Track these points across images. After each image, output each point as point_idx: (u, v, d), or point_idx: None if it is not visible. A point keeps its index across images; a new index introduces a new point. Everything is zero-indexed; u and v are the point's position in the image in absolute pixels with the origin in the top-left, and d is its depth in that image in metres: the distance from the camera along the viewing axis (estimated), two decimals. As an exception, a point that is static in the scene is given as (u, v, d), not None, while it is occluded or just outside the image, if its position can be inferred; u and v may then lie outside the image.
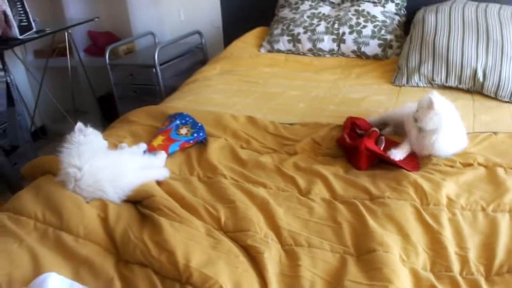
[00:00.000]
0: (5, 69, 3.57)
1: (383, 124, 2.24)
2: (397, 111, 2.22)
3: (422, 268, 1.42)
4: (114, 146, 2.15)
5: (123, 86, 3.92)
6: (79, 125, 1.90)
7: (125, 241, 1.56)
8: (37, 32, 3.64)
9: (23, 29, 3.51)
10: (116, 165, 1.82)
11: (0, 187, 3.45)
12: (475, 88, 2.59)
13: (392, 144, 2.03)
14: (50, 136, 4.58)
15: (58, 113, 4.45)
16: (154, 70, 3.68)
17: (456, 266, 1.41)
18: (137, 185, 1.80)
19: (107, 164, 1.80)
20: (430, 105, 1.84)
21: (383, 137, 2.04)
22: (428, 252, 1.47)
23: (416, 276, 1.38)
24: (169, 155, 2.12)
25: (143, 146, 2.11)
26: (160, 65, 3.71)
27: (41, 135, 4.56)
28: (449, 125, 1.88)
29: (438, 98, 1.87)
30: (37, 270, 1.45)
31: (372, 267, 1.38)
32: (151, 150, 2.11)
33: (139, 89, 3.86)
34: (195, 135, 2.22)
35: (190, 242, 1.50)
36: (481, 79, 2.55)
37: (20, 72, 4.37)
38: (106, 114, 4.41)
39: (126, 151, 2.04)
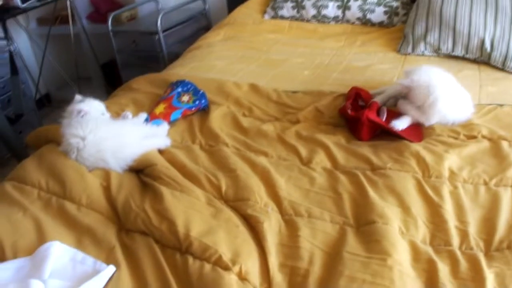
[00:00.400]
0: (7, 38, 3.55)
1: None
2: (396, 83, 2.16)
3: (421, 241, 1.41)
4: (116, 114, 2.15)
5: (126, 53, 3.90)
6: (78, 97, 1.91)
7: (127, 210, 1.57)
8: (38, 0, 3.60)
9: (25, -3, 3.48)
10: (118, 135, 1.82)
11: (6, 155, 3.48)
12: (482, 59, 2.55)
13: (394, 115, 2.01)
14: (54, 103, 4.57)
15: (62, 80, 4.45)
16: (157, 36, 3.65)
17: (455, 240, 1.40)
18: (139, 155, 1.80)
19: (109, 135, 1.80)
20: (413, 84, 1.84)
21: (384, 108, 2.03)
22: (428, 225, 1.46)
23: (414, 249, 1.38)
24: (171, 122, 2.12)
25: (143, 115, 2.10)
26: (163, 31, 3.67)
27: (46, 103, 4.55)
28: (445, 92, 1.86)
29: (419, 73, 1.85)
30: (41, 239, 1.46)
31: (371, 239, 1.38)
32: (153, 118, 2.11)
33: (142, 56, 3.83)
34: (197, 102, 2.21)
35: (190, 211, 1.51)
36: (488, 49, 2.51)
37: (23, 41, 4.34)
38: (110, 81, 4.38)
39: (128, 121, 2.04)
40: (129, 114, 2.11)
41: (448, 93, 1.89)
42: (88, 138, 1.76)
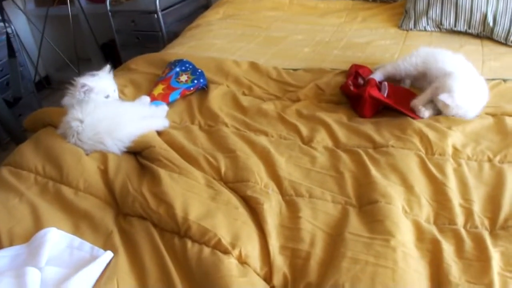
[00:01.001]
0: (4, 20, 3.51)
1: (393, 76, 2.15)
2: (412, 64, 2.08)
3: (425, 220, 1.39)
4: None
5: (126, 33, 3.85)
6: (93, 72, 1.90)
7: (124, 193, 1.55)
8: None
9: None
10: (115, 116, 1.80)
11: (5, 139, 3.46)
12: (485, 33, 2.52)
13: (396, 89, 1.98)
14: (54, 85, 4.54)
15: (61, 62, 4.42)
16: (156, 15, 3.60)
17: (460, 218, 1.38)
18: (137, 136, 1.77)
19: (106, 116, 1.77)
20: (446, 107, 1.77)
21: (385, 83, 1.99)
22: (432, 204, 1.43)
23: (418, 228, 1.35)
24: (170, 103, 2.09)
25: (146, 98, 2.07)
26: (162, 10, 3.63)
27: (46, 84, 4.53)
28: (474, 102, 1.81)
29: (454, 93, 1.77)
30: (38, 225, 1.45)
31: (374, 219, 1.35)
32: (152, 99, 2.08)
33: (142, 36, 3.79)
34: (195, 81, 2.18)
35: (189, 193, 1.48)
36: (491, 24, 2.47)
37: (21, 22, 4.29)
38: (110, 61, 4.34)
39: (128, 102, 2.01)
40: (147, 98, 2.08)
41: (475, 105, 1.83)
42: (86, 120, 1.74)
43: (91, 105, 1.78)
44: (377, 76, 2.09)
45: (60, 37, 4.48)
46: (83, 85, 1.82)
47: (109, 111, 1.81)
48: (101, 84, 1.87)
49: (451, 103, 1.76)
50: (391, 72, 2.10)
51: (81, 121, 1.74)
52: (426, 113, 1.81)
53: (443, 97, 1.75)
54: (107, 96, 1.88)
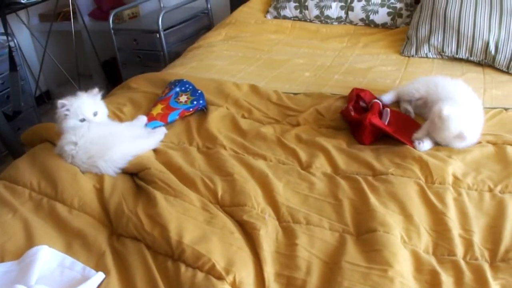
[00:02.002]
0: (7, 33, 3.51)
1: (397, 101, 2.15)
2: (415, 89, 2.08)
3: (424, 250, 1.37)
4: (113, 114, 2.12)
5: (127, 51, 3.86)
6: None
7: (119, 213, 1.53)
8: (40, -4, 3.59)
9: (26, -7, 3.47)
10: (109, 137, 1.78)
11: (3, 153, 3.45)
12: (487, 61, 2.51)
13: (398, 116, 1.97)
14: (54, 100, 4.53)
15: (63, 77, 4.42)
16: (158, 35, 3.62)
17: (459, 250, 1.35)
18: (132, 156, 1.76)
19: (99, 138, 1.76)
20: (460, 136, 1.74)
21: (388, 110, 1.98)
22: (431, 233, 1.41)
23: (417, 259, 1.33)
24: (169, 123, 2.09)
25: (143, 118, 2.06)
26: (165, 30, 3.64)
27: (46, 99, 4.53)
28: (476, 133, 1.81)
29: (464, 124, 1.76)
30: (30, 242, 1.44)
31: (372, 248, 1.33)
32: (151, 119, 2.07)
33: (143, 55, 3.80)
34: (195, 102, 2.17)
35: (184, 216, 1.46)
36: (493, 52, 2.47)
37: (24, 36, 4.32)
38: (111, 79, 4.37)
39: (123, 123, 2.00)
40: (143, 118, 2.07)
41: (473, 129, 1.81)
42: (80, 143, 1.73)
43: (85, 127, 1.77)
44: (387, 98, 2.09)
45: (62, 53, 4.50)
46: (63, 105, 1.80)
47: (102, 133, 1.79)
48: (75, 106, 1.81)
49: (446, 113, 1.74)
50: (401, 94, 2.11)
51: (75, 144, 1.74)
52: (421, 146, 1.78)
53: (440, 109, 1.73)
54: (82, 120, 1.81)
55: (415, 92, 2.06)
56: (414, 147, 1.77)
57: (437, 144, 1.80)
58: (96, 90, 1.89)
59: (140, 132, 1.92)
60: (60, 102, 1.80)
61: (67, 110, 1.80)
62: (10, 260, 1.38)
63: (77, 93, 1.86)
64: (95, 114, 1.83)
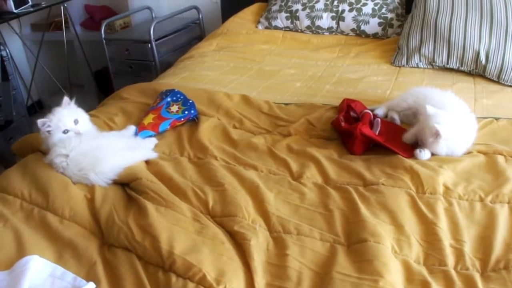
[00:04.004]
0: (-1, 43, 3.53)
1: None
2: (404, 99, 2.10)
3: (415, 260, 1.37)
4: (104, 123, 2.13)
5: (119, 61, 3.85)
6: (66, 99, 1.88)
7: (110, 223, 1.52)
8: (32, 6, 3.62)
9: (18, 3, 3.48)
10: (98, 149, 1.77)
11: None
12: (477, 71, 2.52)
13: (388, 126, 1.98)
14: (46, 110, 4.53)
15: (54, 87, 4.42)
16: (149, 45, 3.62)
17: (450, 260, 1.35)
18: (122, 168, 1.76)
19: (90, 149, 1.76)
20: (436, 134, 1.75)
21: (378, 120, 1.98)
22: (422, 244, 1.42)
23: (408, 269, 1.33)
24: (160, 133, 2.08)
25: (131, 128, 2.06)
26: (156, 40, 3.64)
27: (38, 109, 4.52)
28: (462, 141, 1.81)
29: (443, 122, 1.77)
30: (21, 252, 1.43)
31: (363, 259, 1.33)
32: (142, 129, 2.07)
33: (135, 65, 3.79)
34: (186, 112, 2.17)
35: (175, 227, 1.46)
36: (483, 62, 2.48)
37: (16, 46, 4.32)
38: (102, 89, 4.36)
39: (113, 133, 2.00)
40: (132, 128, 2.08)
41: (463, 140, 1.83)
42: (71, 156, 1.74)
43: (76, 140, 1.77)
44: (380, 111, 2.10)
45: (54, 63, 4.51)
46: (43, 123, 1.82)
47: (93, 145, 1.79)
48: (54, 121, 1.82)
49: (429, 110, 1.77)
50: (391, 106, 2.12)
51: (66, 156, 1.73)
52: (422, 154, 1.79)
53: (435, 126, 1.74)
54: (65, 131, 1.82)
55: (402, 102, 2.08)
56: (405, 156, 1.78)
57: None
58: (66, 99, 1.90)
59: (130, 143, 1.92)
60: (40, 121, 1.81)
61: (49, 126, 1.82)
62: (0, 270, 1.37)
63: (53, 109, 1.87)
64: (76, 122, 1.85)
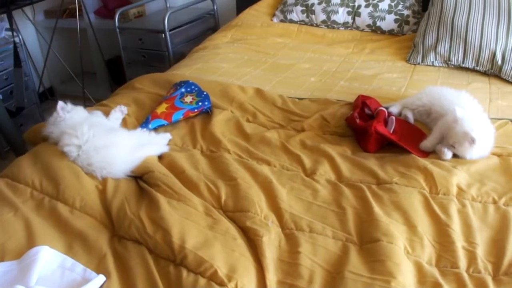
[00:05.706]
0: (12, 29, 3.51)
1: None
2: (418, 98, 2.07)
3: (427, 262, 1.35)
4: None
5: (132, 50, 3.85)
6: (61, 103, 1.88)
7: (121, 215, 1.52)
8: (46, -8, 3.60)
9: (32, -11, 3.47)
10: (109, 147, 1.75)
11: (5, 148, 3.45)
12: (493, 71, 2.50)
13: (403, 124, 1.96)
14: (58, 97, 4.54)
15: (66, 74, 4.43)
16: (163, 35, 3.61)
17: (462, 262, 1.34)
18: (132, 168, 1.75)
19: (101, 146, 1.74)
20: (472, 141, 1.72)
21: (393, 118, 1.96)
22: (435, 245, 1.40)
23: (420, 270, 1.32)
24: (173, 123, 2.09)
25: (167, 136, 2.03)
26: (170, 30, 3.63)
27: (49, 96, 4.53)
28: (488, 145, 1.79)
29: (475, 127, 1.74)
30: (30, 241, 1.43)
31: (375, 259, 1.32)
32: (155, 117, 2.07)
33: (148, 54, 3.79)
34: (200, 104, 2.16)
35: (187, 221, 1.45)
36: (499, 62, 2.46)
37: (30, 32, 4.32)
38: (114, 77, 4.35)
39: (126, 130, 1.96)
40: (124, 109, 2.09)
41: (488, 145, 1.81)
42: (84, 148, 1.73)
43: (89, 132, 1.76)
44: (394, 109, 2.09)
45: (67, 50, 4.51)
46: (63, 107, 1.85)
47: (106, 142, 1.76)
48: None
49: (459, 114, 1.75)
50: (406, 104, 2.10)
51: (79, 147, 1.73)
52: (449, 154, 1.77)
53: (470, 133, 1.72)
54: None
55: (417, 100, 2.06)
56: (418, 155, 1.76)
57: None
58: (61, 104, 1.90)
59: (144, 139, 1.89)
60: (60, 103, 1.84)
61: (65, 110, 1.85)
62: (10, 259, 1.37)
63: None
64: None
